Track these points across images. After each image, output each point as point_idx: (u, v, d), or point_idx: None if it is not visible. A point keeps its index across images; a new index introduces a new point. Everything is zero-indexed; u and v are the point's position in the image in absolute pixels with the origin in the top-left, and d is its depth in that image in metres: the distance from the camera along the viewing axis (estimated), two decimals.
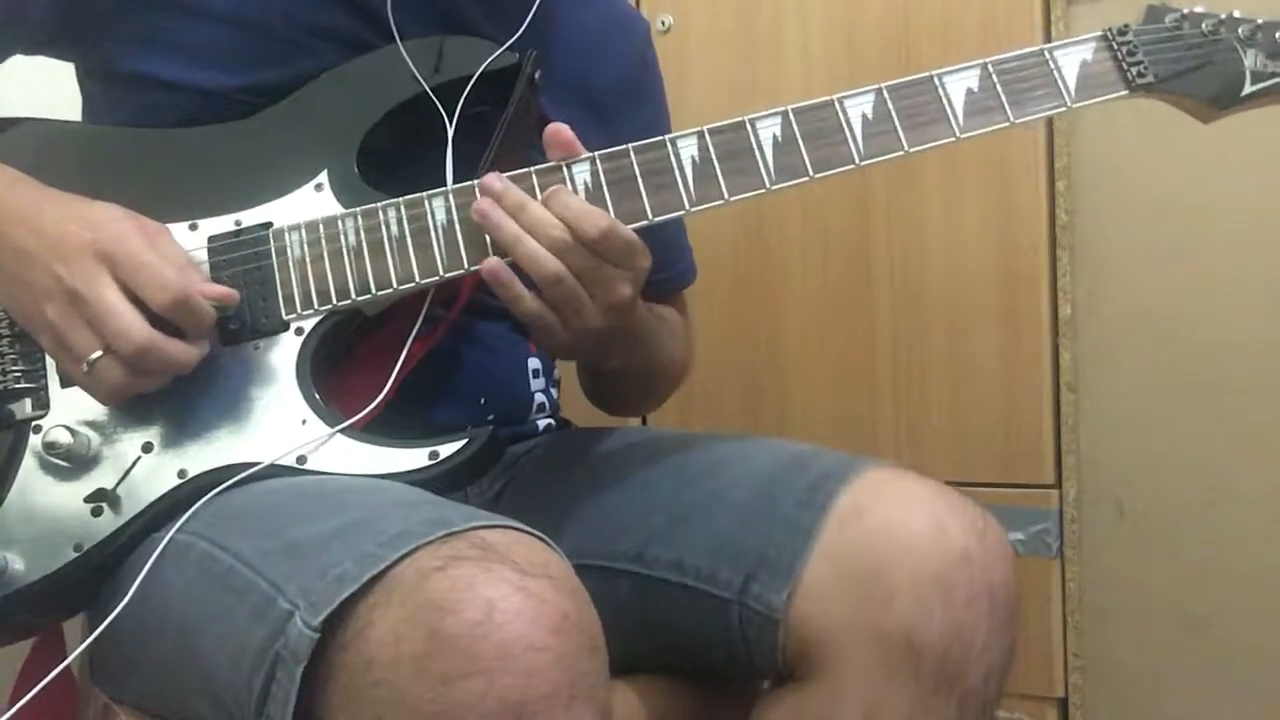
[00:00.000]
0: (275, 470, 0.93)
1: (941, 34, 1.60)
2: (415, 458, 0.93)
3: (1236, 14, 1.02)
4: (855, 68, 1.65)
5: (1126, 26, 1.01)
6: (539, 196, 0.97)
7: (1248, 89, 1.01)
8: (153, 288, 0.90)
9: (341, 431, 0.95)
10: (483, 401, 1.14)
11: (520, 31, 1.07)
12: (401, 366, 0.98)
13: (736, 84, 1.72)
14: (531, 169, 0.98)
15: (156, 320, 0.91)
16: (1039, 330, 1.56)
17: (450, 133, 1.02)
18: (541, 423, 1.21)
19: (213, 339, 0.96)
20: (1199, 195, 1.48)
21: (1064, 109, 0.99)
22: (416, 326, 1.00)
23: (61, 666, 0.89)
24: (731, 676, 1.05)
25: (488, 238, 0.96)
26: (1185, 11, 1.02)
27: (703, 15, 1.75)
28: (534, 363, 1.20)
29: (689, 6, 1.75)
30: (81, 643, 0.96)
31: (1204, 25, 1.01)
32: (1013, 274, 1.57)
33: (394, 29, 1.04)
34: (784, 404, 1.70)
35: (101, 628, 0.89)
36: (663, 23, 1.74)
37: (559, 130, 0.98)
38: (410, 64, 1.03)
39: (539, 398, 1.20)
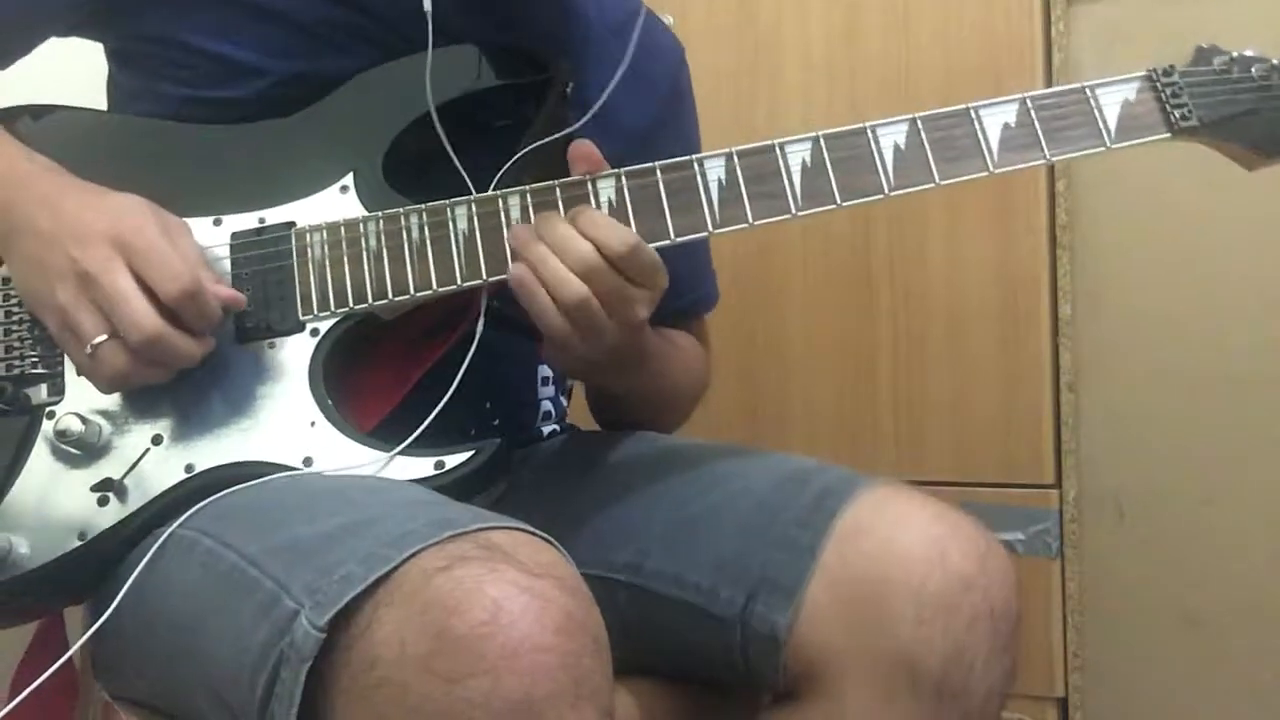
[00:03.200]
0: (281, 470, 0.93)
1: (941, 34, 1.60)
2: (421, 466, 0.93)
3: None
4: (855, 68, 1.65)
5: (1172, 67, 0.98)
6: (563, 211, 0.97)
7: None
8: (164, 278, 0.91)
9: (351, 437, 0.95)
10: (489, 406, 1.14)
11: (586, 119, 1.05)
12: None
13: (737, 84, 1.72)
14: (556, 182, 0.98)
15: (166, 314, 0.91)
16: (1039, 330, 1.56)
17: (443, 140, 1.01)
18: (547, 429, 1.21)
19: (226, 336, 0.96)
20: (1199, 195, 1.49)
21: (1103, 150, 0.97)
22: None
23: (60, 663, 0.89)
24: (740, 689, 1.05)
25: (509, 250, 0.96)
26: (1235, 55, 0.99)
27: (703, 15, 1.75)
28: (545, 370, 1.20)
29: (689, 6, 1.75)
30: (82, 635, 0.96)
31: (1254, 70, 0.98)
32: (1013, 274, 1.57)
33: (429, 37, 1.03)
34: (784, 404, 1.70)
35: (101, 620, 0.89)
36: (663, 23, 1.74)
37: (584, 146, 0.98)
38: (427, 83, 1.02)
39: (545, 405, 1.20)
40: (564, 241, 0.93)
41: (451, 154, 1.00)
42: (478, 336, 0.99)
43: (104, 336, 0.90)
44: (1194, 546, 1.51)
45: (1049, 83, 1.54)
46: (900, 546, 0.89)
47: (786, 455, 1.05)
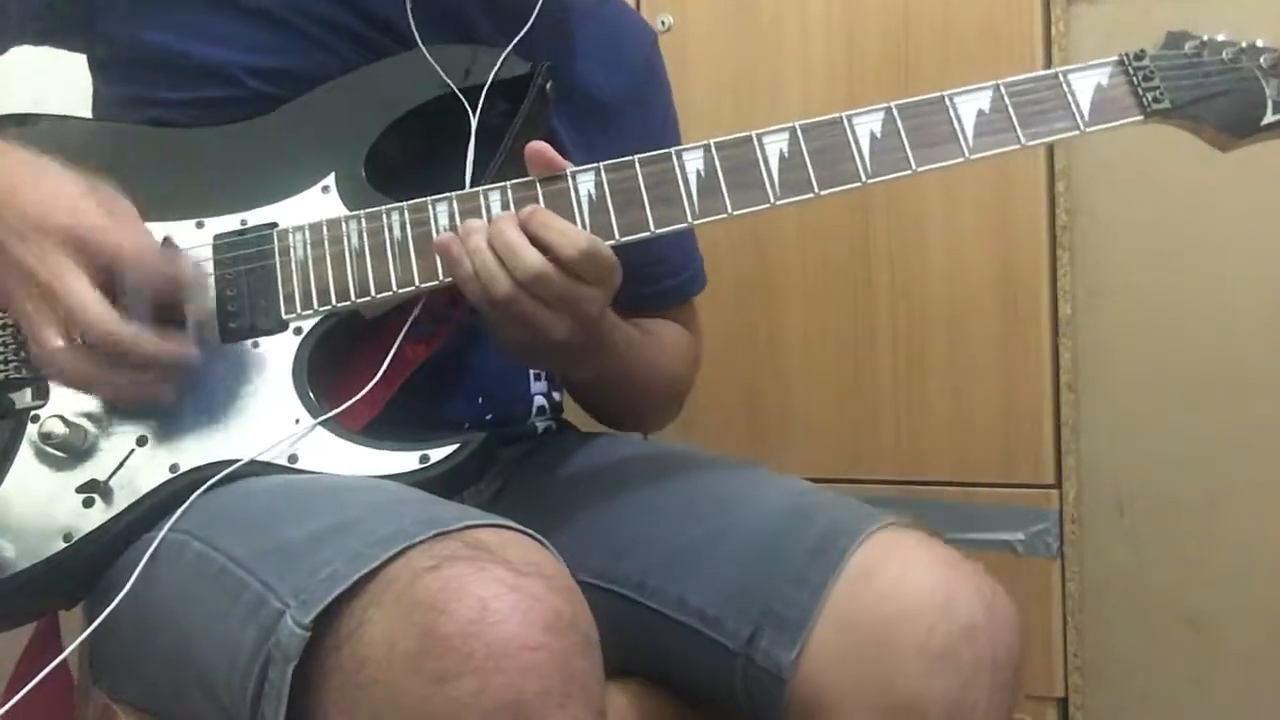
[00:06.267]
0: (268, 469, 0.93)
1: (941, 34, 1.60)
2: (406, 460, 0.93)
3: (1259, 43, 1.00)
4: (855, 67, 1.65)
5: (1143, 51, 0.99)
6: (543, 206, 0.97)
7: (1269, 118, 0.99)
8: (104, 247, 0.90)
9: (335, 433, 0.95)
10: (480, 401, 1.14)
11: (520, 35, 1.06)
12: (390, 366, 0.98)
13: (736, 84, 1.72)
14: (536, 178, 0.98)
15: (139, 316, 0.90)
16: (1039, 330, 1.55)
17: (472, 134, 1.02)
18: (541, 424, 1.21)
19: (210, 337, 0.96)
20: (1199, 195, 1.48)
21: (1076, 133, 0.98)
22: (405, 326, 1.00)
23: (56, 662, 0.89)
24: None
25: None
26: (1205, 39, 1.00)
27: (703, 15, 1.75)
28: None
29: (689, 6, 1.75)
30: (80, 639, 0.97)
31: (1224, 53, 0.99)
32: (1013, 274, 1.56)
33: (415, 34, 1.05)
34: (784, 404, 1.70)
35: (93, 627, 0.89)
36: (663, 23, 1.74)
37: (541, 149, 0.98)
38: (439, 69, 1.03)
39: (539, 400, 1.20)
40: (511, 250, 0.93)
41: (472, 133, 1.01)
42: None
43: (60, 344, 0.90)
44: (1194, 546, 1.50)
45: None
46: (909, 593, 0.89)
47: (794, 480, 1.05)
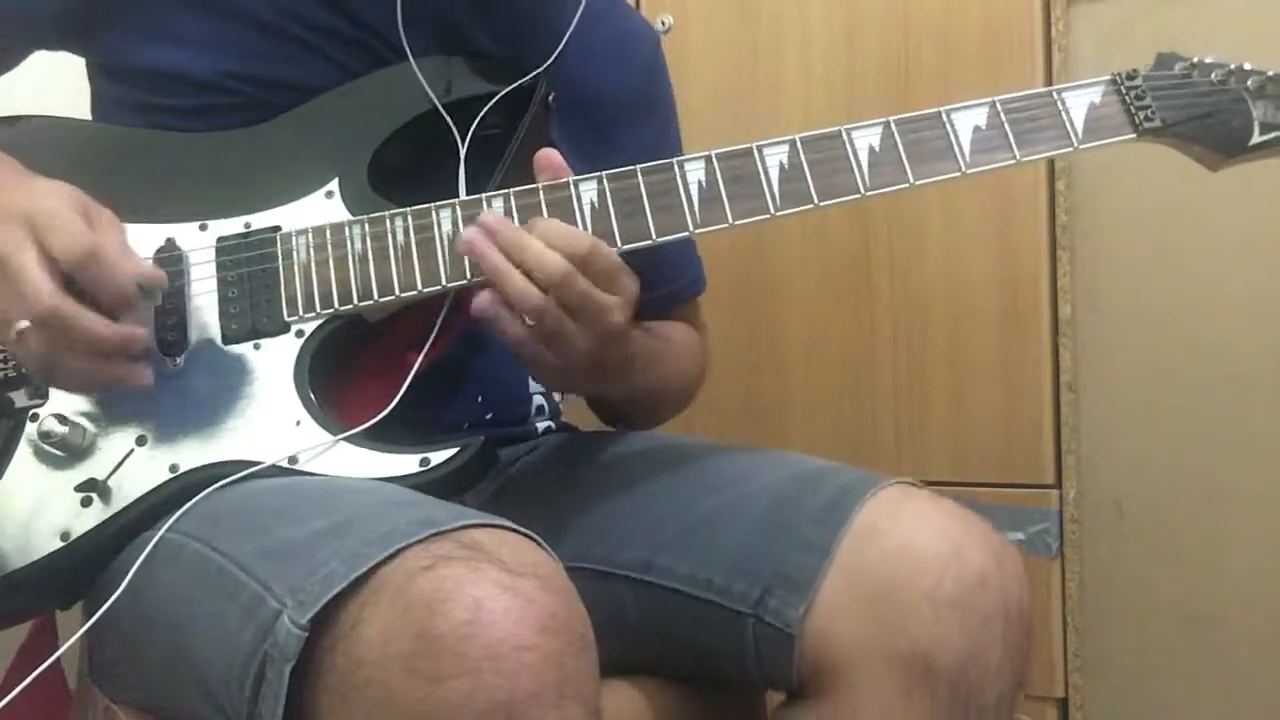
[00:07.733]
0: (266, 470, 0.94)
1: (941, 35, 1.60)
2: (406, 464, 0.94)
3: (1247, 65, 1.02)
4: (854, 68, 1.65)
5: (1135, 71, 1.01)
6: (545, 214, 0.97)
7: (1256, 139, 1.01)
8: (61, 242, 0.88)
9: (335, 436, 0.95)
10: (480, 401, 1.14)
11: (545, 66, 1.08)
12: (393, 372, 0.98)
13: (736, 84, 1.72)
14: (539, 185, 0.99)
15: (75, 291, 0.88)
16: (1039, 330, 1.56)
17: (463, 152, 1.03)
18: (541, 425, 1.21)
19: (212, 339, 0.97)
20: (1198, 196, 1.48)
21: (1070, 150, 1.00)
22: (430, 340, 1.00)
23: (52, 660, 0.89)
24: (740, 688, 1.05)
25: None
26: (1195, 60, 1.02)
27: (703, 15, 1.75)
28: None
29: (689, 6, 1.76)
30: (78, 642, 0.97)
31: (1213, 75, 1.01)
32: (1013, 274, 1.57)
33: (406, 47, 1.05)
34: (784, 404, 1.70)
35: (88, 625, 0.90)
36: (663, 23, 1.74)
37: (549, 155, 0.99)
38: (425, 84, 1.04)
39: (538, 400, 1.20)
40: (538, 258, 0.93)
41: (460, 146, 1.02)
42: (434, 334, 1.01)
43: (25, 323, 0.88)
44: (1194, 546, 1.51)
45: (1049, 83, 1.54)
46: (917, 544, 0.90)
47: (799, 455, 1.05)
